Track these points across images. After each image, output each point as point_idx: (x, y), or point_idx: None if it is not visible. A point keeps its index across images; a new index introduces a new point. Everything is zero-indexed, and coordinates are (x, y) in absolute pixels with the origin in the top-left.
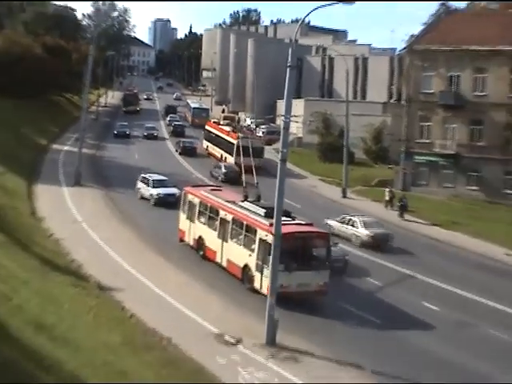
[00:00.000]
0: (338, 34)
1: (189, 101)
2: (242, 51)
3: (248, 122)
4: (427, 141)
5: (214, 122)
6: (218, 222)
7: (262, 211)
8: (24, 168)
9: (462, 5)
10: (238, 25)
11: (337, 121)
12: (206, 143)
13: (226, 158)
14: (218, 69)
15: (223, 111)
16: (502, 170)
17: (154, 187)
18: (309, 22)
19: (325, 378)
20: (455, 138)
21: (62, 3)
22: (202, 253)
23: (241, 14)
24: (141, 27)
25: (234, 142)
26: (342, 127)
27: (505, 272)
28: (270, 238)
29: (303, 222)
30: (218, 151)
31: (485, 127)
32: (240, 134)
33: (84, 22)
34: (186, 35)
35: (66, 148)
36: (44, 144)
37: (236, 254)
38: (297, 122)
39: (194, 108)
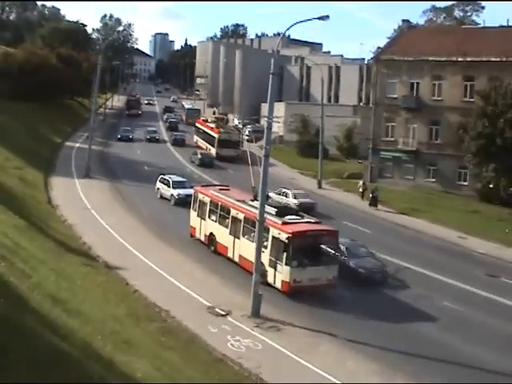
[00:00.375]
0: (315, 46)
1: (183, 103)
2: (231, 61)
3: (236, 122)
4: (392, 139)
5: (203, 120)
6: (229, 220)
7: (273, 210)
8: (41, 162)
9: (422, 21)
10: (228, 38)
11: (313, 121)
12: (195, 137)
13: (209, 149)
14: (210, 76)
15: (214, 113)
16: (455, 165)
17: (173, 188)
18: (289, 36)
19: (304, 345)
20: (416, 136)
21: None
22: (213, 248)
23: (230, 29)
24: (142, 40)
25: (216, 135)
26: (318, 127)
27: (457, 252)
28: (283, 236)
29: (312, 221)
30: (204, 144)
31: (441, 127)
32: (221, 130)
33: (93, 36)
34: (181, 47)
35: (77, 145)
36: (59, 142)
37: (248, 250)
38: (278, 122)
39: (188, 109)
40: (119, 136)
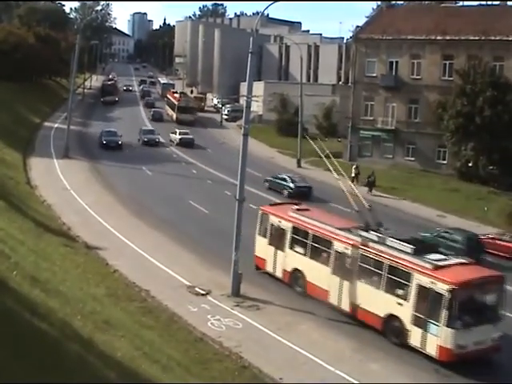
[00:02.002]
0: (294, 25)
1: (159, 79)
2: (210, 40)
3: (215, 101)
4: (371, 118)
5: (172, 92)
6: (330, 255)
7: (408, 247)
8: (20, 143)
9: (401, 1)
10: (207, 17)
11: (292, 100)
12: (166, 108)
13: (172, 115)
14: (189, 55)
15: (191, 92)
16: (434, 143)
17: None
18: (268, 15)
19: (284, 324)
20: (395, 115)
21: None
22: (300, 289)
23: (209, 8)
24: (121, 19)
25: (176, 103)
26: (297, 106)
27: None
28: (440, 288)
29: (466, 262)
30: (169, 110)
31: (420, 106)
32: (182, 98)
33: (71, 15)
34: (160, 26)
35: (56, 125)
36: (37, 122)
37: (371, 299)
38: (257, 101)
39: (163, 83)
40: (104, 141)
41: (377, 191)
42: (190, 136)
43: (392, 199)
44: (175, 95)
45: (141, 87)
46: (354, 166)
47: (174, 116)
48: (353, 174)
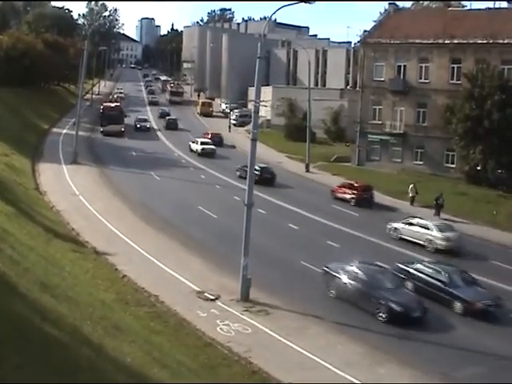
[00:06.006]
0: (301, 30)
1: (160, 76)
2: (218, 45)
3: (223, 106)
4: (379, 122)
5: (168, 84)
6: None
7: None
8: (29, 149)
9: (408, 4)
10: (214, 22)
11: (300, 105)
12: (165, 94)
13: (167, 98)
14: (197, 61)
15: (198, 96)
16: (443, 147)
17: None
18: (275, 19)
19: (293, 328)
20: (403, 119)
21: (60, 4)
22: None
23: (217, 13)
24: (129, 25)
25: (169, 88)
26: (305, 111)
27: None
28: None
29: None
30: (166, 96)
31: (428, 110)
32: (173, 86)
33: (79, 21)
34: (168, 32)
35: (64, 131)
36: (46, 128)
37: None
38: (266, 106)
39: (163, 80)
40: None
41: (445, 214)
42: (212, 146)
43: (465, 224)
44: (169, 85)
45: (145, 80)
46: (412, 186)
47: (168, 98)
48: (410, 194)
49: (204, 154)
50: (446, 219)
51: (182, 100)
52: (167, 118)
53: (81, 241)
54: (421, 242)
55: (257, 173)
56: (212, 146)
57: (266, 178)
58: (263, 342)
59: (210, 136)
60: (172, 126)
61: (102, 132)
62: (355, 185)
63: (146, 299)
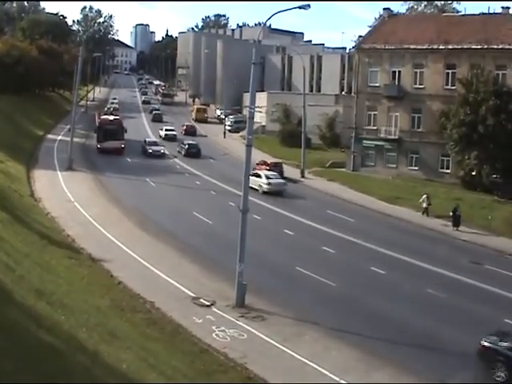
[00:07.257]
0: (296, 36)
1: (153, 81)
2: (212, 51)
3: (218, 112)
4: (374, 127)
5: (160, 87)
6: None
7: None
8: (23, 155)
9: (403, 10)
10: (209, 28)
11: (295, 111)
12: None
13: (158, 99)
14: (192, 67)
15: (193, 101)
16: (438, 152)
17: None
18: (270, 25)
19: (289, 334)
20: (398, 124)
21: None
22: None
23: (211, 19)
24: (123, 31)
25: (161, 91)
26: (300, 116)
27: (441, 240)
28: None
29: None
30: (158, 97)
31: (423, 115)
32: (164, 89)
33: (74, 27)
34: (163, 38)
35: (59, 138)
36: (40, 134)
37: None
38: (261, 112)
39: (156, 84)
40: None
41: (464, 226)
42: (174, 132)
43: (486, 236)
44: (160, 88)
45: (138, 83)
46: (425, 196)
47: (160, 99)
48: (424, 205)
49: (167, 138)
50: (466, 232)
51: (172, 101)
52: (154, 112)
53: (76, 247)
54: (255, 187)
55: (184, 147)
56: (174, 132)
57: (192, 152)
58: (259, 348)
59: (185, 127)
60: (157, 118)
61: (98, 148)
62: (268, 162)
63: (142, 305)
